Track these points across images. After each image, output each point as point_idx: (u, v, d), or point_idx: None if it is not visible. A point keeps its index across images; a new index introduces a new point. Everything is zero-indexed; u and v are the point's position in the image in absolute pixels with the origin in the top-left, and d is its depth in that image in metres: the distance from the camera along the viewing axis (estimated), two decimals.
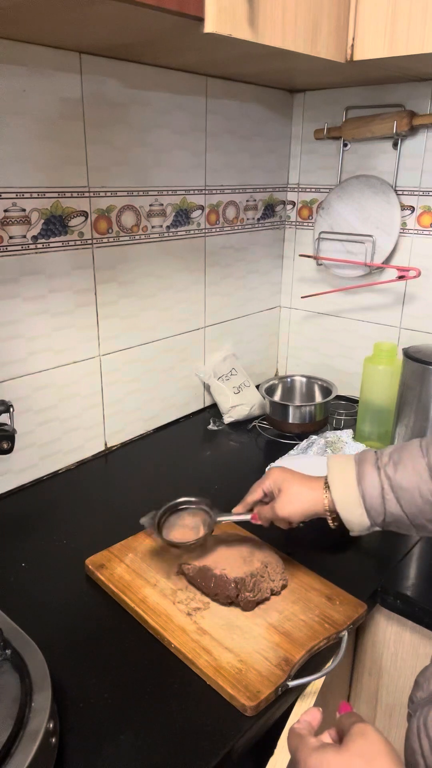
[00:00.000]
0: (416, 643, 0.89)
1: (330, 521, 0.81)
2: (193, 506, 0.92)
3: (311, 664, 0.74)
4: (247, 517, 0.88)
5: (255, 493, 0.88)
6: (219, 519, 0.89)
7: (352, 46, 0.98)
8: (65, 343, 1.13)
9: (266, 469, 1.14)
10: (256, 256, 1.53)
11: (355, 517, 0.77)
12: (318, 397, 1.47)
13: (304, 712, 0.60)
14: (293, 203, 1.57)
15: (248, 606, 0.80)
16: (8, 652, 0.63)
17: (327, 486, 0.80)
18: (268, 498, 0.87)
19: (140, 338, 1.29)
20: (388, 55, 0.95)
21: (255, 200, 1.48)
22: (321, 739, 0.56)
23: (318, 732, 0.57)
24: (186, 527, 0.90)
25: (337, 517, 0.79)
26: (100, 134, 1.08)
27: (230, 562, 0.84)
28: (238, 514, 0.89)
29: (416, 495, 0.73)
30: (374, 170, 1.39)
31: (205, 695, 0.69)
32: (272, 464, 1.14)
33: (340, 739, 0.55)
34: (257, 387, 1.48)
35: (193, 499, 0.93)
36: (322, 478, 0.82)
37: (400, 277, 1.37)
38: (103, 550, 0.91)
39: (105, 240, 1.15)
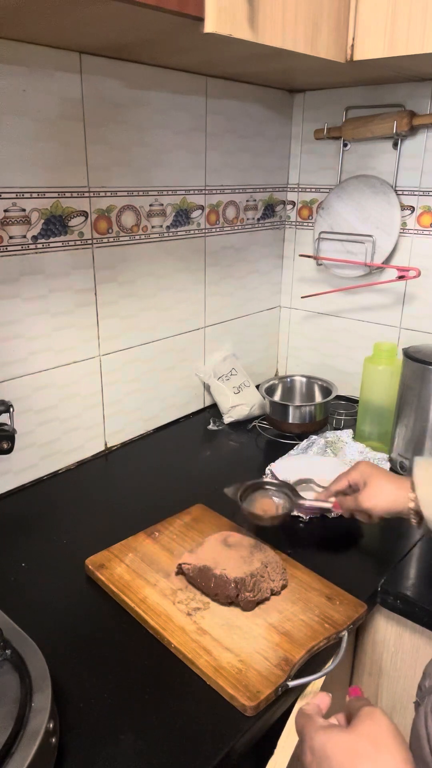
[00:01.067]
0: (416, 643, 0.89)
1: (414, 521, 0.82)
2: (275, 488, 0.97)
3: (311, 664, 0.74)
4: (329, 504, 0.91)
5: (339, 483, 0.90)
6: (301, 502, 0.92)
7: (352, 46, 0.98)
8: (65, 343, 1.13)
9: (267, 470, 1.14)
10: (256, 256, 1.53)
11: None
12: (318, 397, 1.47)
13: (313, 695, 0.61)
14: (293, 203, 1.57)
15: (248, 606, 0.80)
16: (8, 652, 0.63)
17: (413, 485, 0.82)
18: (352, 489, 0.89)
19: (140, 338, 1.29)
20: (388, 55, 0.95)
21: (255, 200, 1.48)
22: (329, 721, 0.56)
23: (326, 716, 0.58)
24: (264, 504, 0.94)
25: (420, 518, 0.81)
26: (100, 134, 1.08)
27: (230, 562, 0.84)
28: (321, 500, 0.92)
29: None
30: (374, 170, 1.39)
31: (205, 695, 0.69)
32: (272, 464, 1.14)
33: (349, 722, 0.55)
34: (257, 387, 1.48)
35: (275, 481, 0.98)
36: (408, 478, 0.84)
37: (400, 277, 1.36)
38: (103, 550, 0.91)
39: (105, 240, 1.15)
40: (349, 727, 0.53)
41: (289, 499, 0.93)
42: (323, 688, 0.75)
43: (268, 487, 0.97)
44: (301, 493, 0.97)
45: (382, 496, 0.84)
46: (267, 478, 1.13)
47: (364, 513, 0.86)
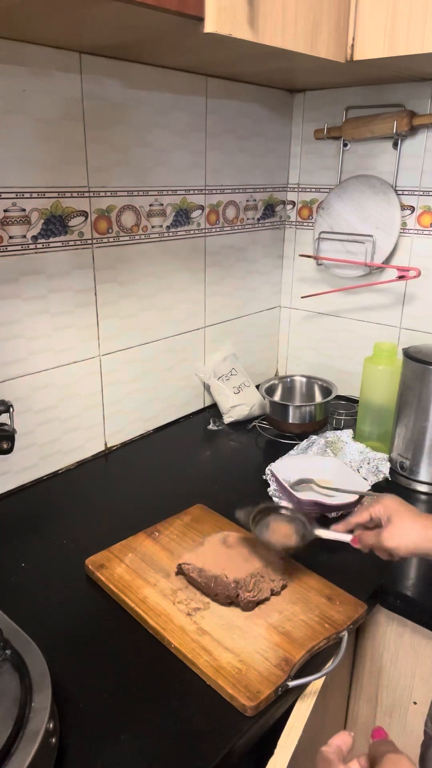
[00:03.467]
0: (416, 643, 0.89)
1: None
2: (290, 513, 0.91)
3: (311, 664, 0.74)
4: (347, 538, 0.84)
5: (360, 516, 0.83)
6: (317, 533, 0.86)
7: (352, 46, 0.98)
8: (65, 343, 1.13)
9: (267, 469, 1.14)
10: (256, 256, 1.53)
11: None
12: (318, 397, 1.47)
13: (335, 735, 0.58)
14: (293, 203, 1.57)
15: (248, 606, 0.80)
16: (8, 652, 0.63)
17: None
18: (372, 524, 0.83)
19: (140, 338, 1.29)
20: (388, 55, 0.95)
21: (255, 200, 1.48)
22: (350, 766, 0.54)
23: (350, 757, 0.56)
24: (278, 532, 0.88)
25: None
26: (100, 134, 1.08)
27: (230, 562, 0.84)
28: (338, 532, 0.86)
29: None
30: (374, 170, 1.39)
31: (205, 695, 0.69)
32: (272, 464, 1.14)
33: (371, 766, 0.53)
34: (257, 387, 1.48)
35: (291, 506, 0.93)
36: None
37: (400, 277, 1.36)
38: (103, 550, 0.91)
39: (105, 240, 1.15)
40: None
41: (305, 528, 0.88)
42: (323, 688, 0.75)
43: (283, 512, 0.92)
44: (321, 529, 0.91)
45: (408, 537, 0.77)
46: (268, 478, 1.13)
47: (385, 551, 0.79)
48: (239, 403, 1.43)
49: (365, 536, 0.82)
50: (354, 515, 0.84)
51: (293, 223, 1.59)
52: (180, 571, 0.86)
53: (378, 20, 0.94)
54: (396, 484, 1.16)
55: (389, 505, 0.81)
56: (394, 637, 0.91)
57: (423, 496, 1.13)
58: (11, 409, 0.90)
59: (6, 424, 0.89)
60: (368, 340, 1.45)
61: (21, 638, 0.66)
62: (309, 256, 1.52)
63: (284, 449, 1.24)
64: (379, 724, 0.97)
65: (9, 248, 1.00)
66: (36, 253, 1.04)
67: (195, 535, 0.95)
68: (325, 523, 1.02)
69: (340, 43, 0.96)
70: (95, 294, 1.16)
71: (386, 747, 0.54)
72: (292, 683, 0.70)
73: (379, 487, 1.12)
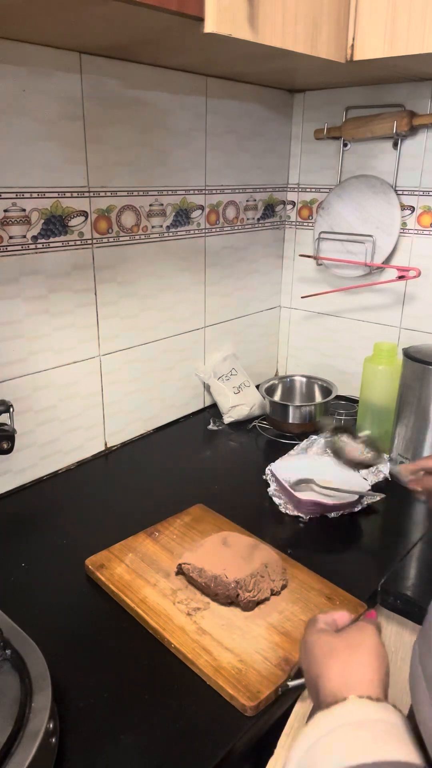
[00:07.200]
0: None
1: None
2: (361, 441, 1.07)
3: None
4: (406, 479, 0.88)
5: (428, 460, 0.86)
6: (381, 465, 1.07)
7: (352, 46, 0.98)
8: (65, 343, 1.13)
9: (267, 470, 1.14)
10: (256, 256, 1.53)
11: None
12: (318, 397, 1.47)
13: (336, 611, 0.64)
14: (293, 203, 1.57)
15: (248, 606, 0.80)
16: (8, 652, 0.63)
17: None
18: None
19: (140, 338, 1.29)
20: (388, 55, 0.95)
21: (255, 200, 1.48)
22: (322, 627, 0.60)
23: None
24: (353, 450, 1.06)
25: None
26: (100, 134, 1.08)
27: (230, 562, 0.84)
28: (403, 473, 0.89)
29: None
30: (374, 170, 1.39)
31: (205, 695, 0.69)
32: (272, 464, 1.14)
33: None
34: (257, 387, 1.47)
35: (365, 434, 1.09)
36: None
37: (400, 277, 1.36)
38: (103, 550, 0.91)
39: (105, 240, 1.15)
40: (338, 632, 0.57)
41: (374, 455, 1.05)
42: None
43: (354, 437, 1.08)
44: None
45: None
46: (268, 478, 1.13)
47: None
48: (239, 403, 1.43)
49: (429, 481, 0.84)
50: (424, 459, 0.86)
51: (293, 223, 1.59)
52: (180, 571, 0.86)
53: (378, 20, 0.94)
54: (396, 484, 1.16)
55: None
56: (394, 637, 0.91)
57: (423, 496, 1.13)
58: (11, 409, 0.90)
59: (6, 424, 0.89)
60: (368, 340, 1.45)
61: (21, 638, 0.66)
62: (309, 256, 1.52)
63: (284, 449, 1.24)
64: None
65: (9, 248, 1.00)
66: (36, 253, 1.04)
67: (195, 535, 0.95)
68: (326, 523, 1.02)
69: (340, 43, 0.96)
70: (95, 294, 1.16)
71: (367, 620, 0.59)
72: (292, 683, 0.70)
73: (379, 487, 1.12)
